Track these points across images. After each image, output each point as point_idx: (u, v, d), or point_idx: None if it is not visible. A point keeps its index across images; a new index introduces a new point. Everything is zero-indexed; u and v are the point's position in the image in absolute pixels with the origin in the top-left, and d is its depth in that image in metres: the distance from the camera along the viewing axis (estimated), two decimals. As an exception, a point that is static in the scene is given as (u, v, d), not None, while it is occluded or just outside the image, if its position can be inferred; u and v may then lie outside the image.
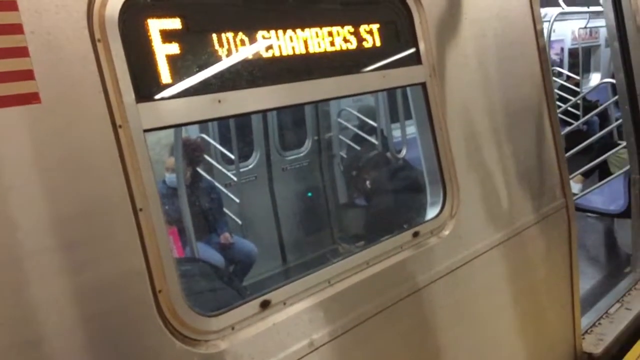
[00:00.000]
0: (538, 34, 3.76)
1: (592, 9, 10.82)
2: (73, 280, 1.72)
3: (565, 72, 11.99)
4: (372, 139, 6.88)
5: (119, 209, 1.82)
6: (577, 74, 12.11)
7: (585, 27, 12.16)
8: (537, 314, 3.66)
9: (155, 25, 1.96)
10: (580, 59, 12.60)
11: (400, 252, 2.72)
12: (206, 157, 5.93)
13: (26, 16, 1.65)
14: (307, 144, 7.16)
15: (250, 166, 6.60)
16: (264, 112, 5.87)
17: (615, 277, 5.35)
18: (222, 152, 6.24)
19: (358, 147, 6.97)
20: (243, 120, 6.39)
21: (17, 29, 1.64)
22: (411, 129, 6.61)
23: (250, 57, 2.23)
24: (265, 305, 2.18)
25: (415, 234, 2.81)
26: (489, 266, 3.22)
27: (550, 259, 3.73)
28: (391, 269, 2.65)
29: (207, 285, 2.67)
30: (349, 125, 7.32)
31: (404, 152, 6.37)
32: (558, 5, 9.61)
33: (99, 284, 1.76)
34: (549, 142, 3.80)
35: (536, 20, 3.75)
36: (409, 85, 2.96)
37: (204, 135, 6.11)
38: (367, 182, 4.16)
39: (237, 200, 5.89)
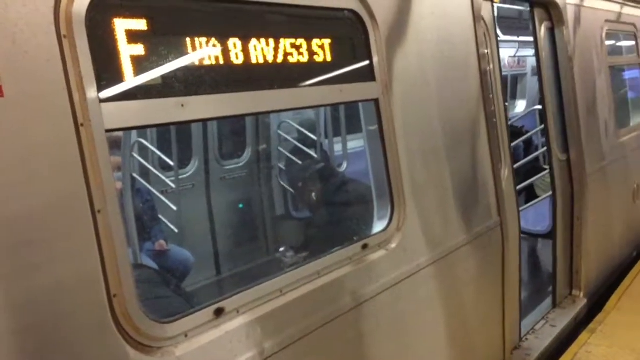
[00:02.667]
0: (481, 57, 3.94)
1: (522, 38, 11.38)
2: (23, 282, 1.65)
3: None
4: (312, 153, 6.92)
5: (77, 209, 1.77)
6: (506, 101, 12.64)
7: (515, 56, 12.77)
8: (471, 329, 3.79)
9: (122, 25, 1.93)
10: (509, 86, 13.20)
11: (350, 264, 2.76)
12: (144, 162, 5.79)
13: None
14: (247, 154, 7.12)
15: (188, 174, 6.48)
16: (226, 119, 5.82)
17: (540, 295, 5.60)
18: (159, 158, 6.11)
19: (298, 160, 6.99)
20: (182, 126, 6.28)
21: (-19, 19, 1.58)
22: (352, 144, 6.72)
23: (214, 63, 2.23)
24: (219, 313, 2.16)
25: (365, 246, 2.86)
26: (429, 281, 3.31)
27: (484, 275, 3.88)
28: (340, 280, 2.69)
29: (154, 292, 2.62)
30: (289, 138, 7.34)
31: (344, 166, 6.45)
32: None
33: (52, 287, 1.70)
34: (487, 163, 3.97)
35: (479, 45, 3.93)
36: (363, 101, 3.03)
37: (142, 140, 5.97)
38: (313, 194, 4.21)
39: (174, 208, 5.78)
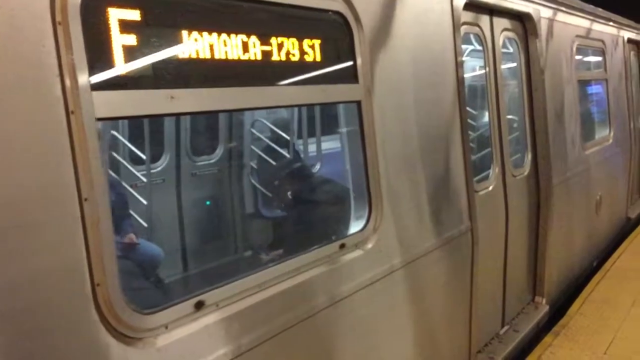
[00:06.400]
0: (458, 65, 4.02)
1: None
2: (7, 267, 1.63)
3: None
4: (285, 152, 6.93)
5: (64, 196, 1.76)
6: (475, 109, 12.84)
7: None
8: (438, 331, 3.86)
9: (116, 15, 1.92)
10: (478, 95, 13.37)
11: (327, 262, 2.79)
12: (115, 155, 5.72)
13: None
14: (219, 151, 7.09)
15: (159, 168, 6.42)
16: (214, 113, 5.80)
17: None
18: (130, 151, 6.04)
19: (270, 159, 6.99)
20: (155, 119, 6.22)
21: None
22: (326, 145, 6.75)
23: (202, 57, 2.24)
24: (199, 306, 2.17)
25: (342, 246, 2.90)
26: (401, 282, 3.37)
27: (453, 279, 3.96)
28: (317, 278, 2.72)
29: (134, 283, 2.60)
30: (262, 137, 7.34)
31: (317, 167, 6.49)
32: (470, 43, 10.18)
33: (36, 272, 1.69)
34: (460, 168, 4.05)
35: (457, 53, 4.02)
36: (345, 102, 3.07)
37: (114, 132, 5.89)
38: (289, 193, 4.22)
39: (145, 202, 5.72)
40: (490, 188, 4.67)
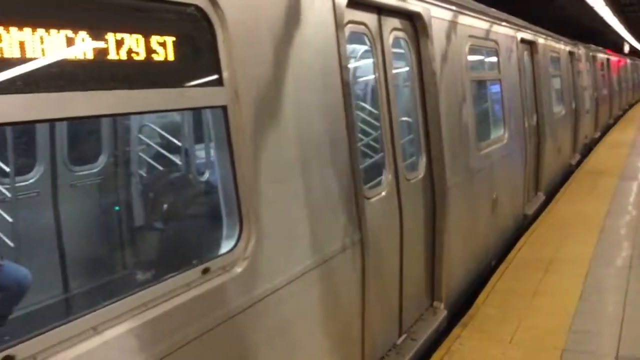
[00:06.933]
0: (343, 67, 3.78)
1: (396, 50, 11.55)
2: None
3: (368, 106, 12.63)
4: (176, 159, 6.50)
5: None
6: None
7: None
8: (328, 351, 3.60)
9: None
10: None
11: (188, 291, 2.45)
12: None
13: None
14: (102, 159, 6.54)
15: (32, 180, 5.81)
16: (27, 124, 5.22)
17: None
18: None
19: (160, 167, 6.53)
20: (25, 126, 5.63)
21: None
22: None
23: (17, 56, 1.85)
24: None
25: (205, 271, 2.56)
26: (283, 304, 3.07)
27: (343, 293, 3.72)
28: (175, 310, 2.37)
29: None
30: (151, 143, 6.85)
31: (206, 175, 6.09)
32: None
33: None
34: (348, 177, 3.81)
35: (342, 54, 3.77)
36: (207, 107, 2.74)
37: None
38: (164, 207, 3.82)
39: (10, 220, 5.12)
40: (383, 194, 4.48)
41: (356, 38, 4.61)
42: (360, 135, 5.86)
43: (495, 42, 7.63)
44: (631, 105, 31.88)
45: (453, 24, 6.10)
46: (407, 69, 5.34)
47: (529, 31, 9.75)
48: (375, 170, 4.82)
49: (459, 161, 5.89)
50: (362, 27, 4.34)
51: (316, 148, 3.47)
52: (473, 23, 6.80)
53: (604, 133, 19.62)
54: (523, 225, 8.66)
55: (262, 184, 2.91)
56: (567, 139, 13.02)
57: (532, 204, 9.33)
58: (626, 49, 34.26)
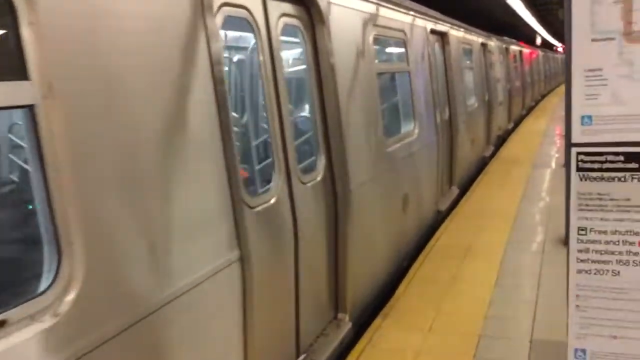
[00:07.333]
0: (214, 60, 3.23)
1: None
2: None
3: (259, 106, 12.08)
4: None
5: None
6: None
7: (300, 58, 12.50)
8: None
9: None
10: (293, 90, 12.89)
11: None
12: None
13: None
14: (-40, 165, 5.72)
15: None
16: None
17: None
18: None
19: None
20: None
21: None
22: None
23: None
24: None
25: (2, 324, 1.96)
26: (126, 351, 2.50)
27: (217, 324, 3.19)
28: None
29: None
30: (24, 144, 6.05)
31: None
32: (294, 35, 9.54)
33: None
34: (222, 184, 3.27)
35: (212, 44, 3.22)
36: (6, 108, 2.12)
37: None
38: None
39: None
40: (272, 201, 3.95)
41: (238, 25, 4.06)
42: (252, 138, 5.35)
43: (403, 32, 7.26)
44: (543, 96, 32.86)
45: (355, 12, 5.65)
46: (301, 60, 4.84)
47: (440, 22, 9.48)
48: (267, 176, 4.31)
49: (363, 159, 5.46)
50: (242, 10, 3.78)
51: (176, 154, 2.89)
52: (378, 12, 6.38)
53: (517, 124, 19.95)
54: (437, 221, 8.40)
55: (92, 202, 2.32)
56: (481, 131, 12.97)
57: (445, 199, 9.10)
58: (538, 41, 35.39)
